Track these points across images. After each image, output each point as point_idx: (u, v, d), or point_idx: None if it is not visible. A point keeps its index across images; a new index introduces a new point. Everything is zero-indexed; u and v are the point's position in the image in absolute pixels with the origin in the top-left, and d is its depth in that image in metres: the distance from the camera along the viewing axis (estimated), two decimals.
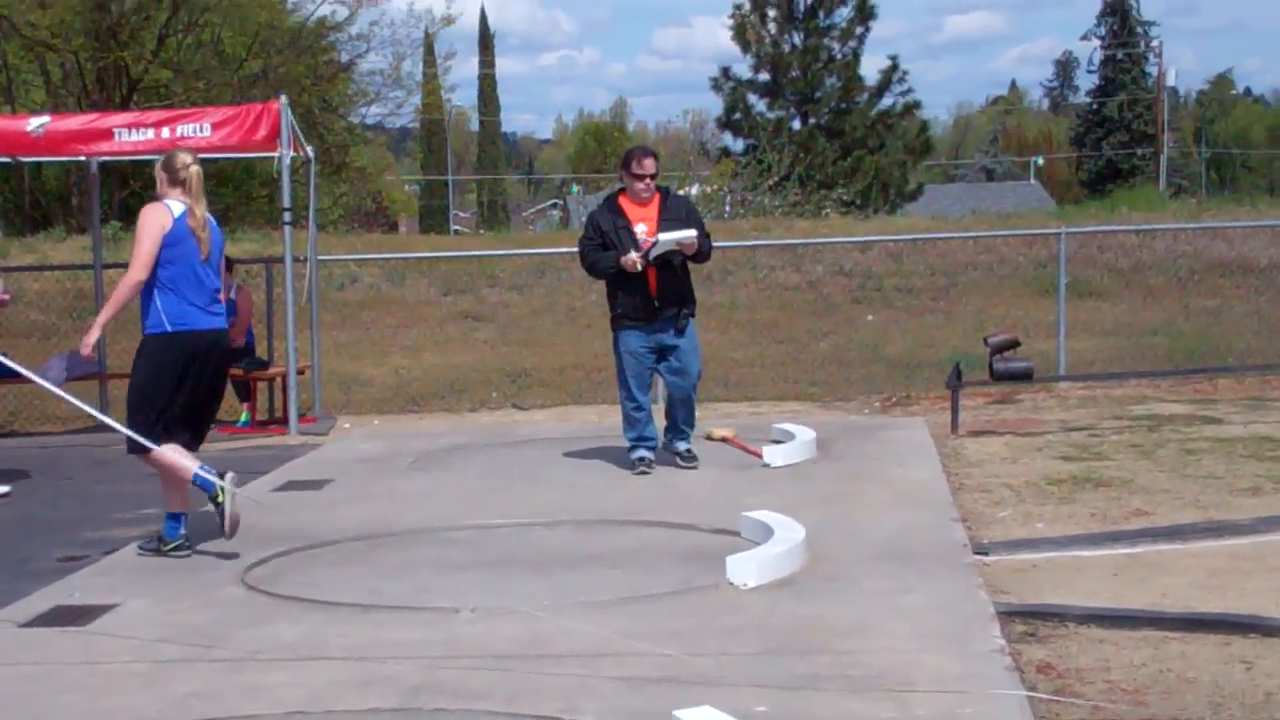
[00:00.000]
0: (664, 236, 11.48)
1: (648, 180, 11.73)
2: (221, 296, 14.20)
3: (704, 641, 7.20)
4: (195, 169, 9.49)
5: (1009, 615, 7.57)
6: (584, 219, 12.31)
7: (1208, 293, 22.25)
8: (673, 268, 11.67)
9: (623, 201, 11.84)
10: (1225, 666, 6.74)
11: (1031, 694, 6.36)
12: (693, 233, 11.59)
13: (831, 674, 6.61)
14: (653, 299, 11.64)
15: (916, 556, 8.69)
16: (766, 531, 9.02)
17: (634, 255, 11.48)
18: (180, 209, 9.37)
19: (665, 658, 6.93)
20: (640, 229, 11.64)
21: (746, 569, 8.24)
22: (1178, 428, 13.45)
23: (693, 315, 11.90)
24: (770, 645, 7.11)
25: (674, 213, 11.81)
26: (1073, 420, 14.18)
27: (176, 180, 9.43)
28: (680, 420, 12.06)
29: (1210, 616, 7.43)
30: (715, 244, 12.48)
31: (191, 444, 9.53)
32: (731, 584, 8.18)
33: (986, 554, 8.88)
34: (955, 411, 13.79)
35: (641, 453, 11.94)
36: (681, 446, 12.06)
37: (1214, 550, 8.92)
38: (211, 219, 9.65)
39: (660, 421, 12.23)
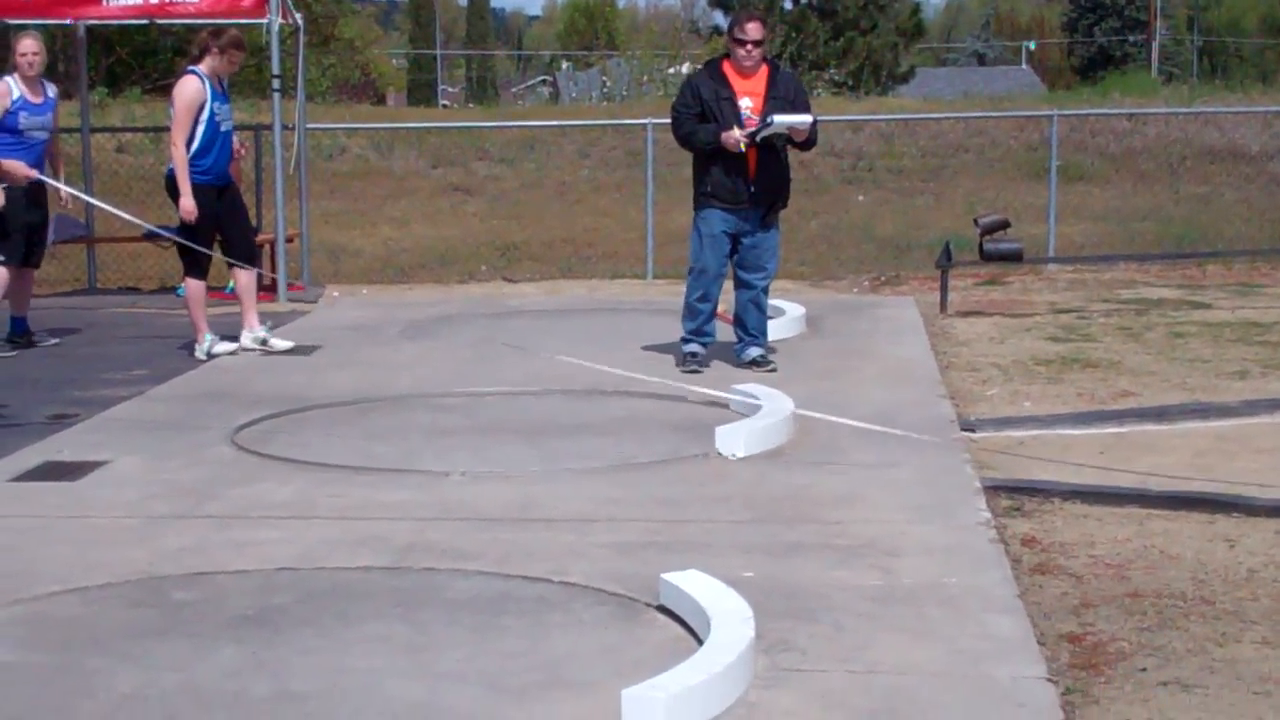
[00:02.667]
0: (779, 119, 10.29)
1: (749, 46, 10.45)
2: None
3: (692, 508, 7.26)
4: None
5: (995, 490, 7.63)
6: (679, 88, 11.21)
7: (1198, 179, 22.20)
8: (775, 152, 10.57)
9: (727, 69, 10.60)
10: (1209, 544, 6.80)
11: (1015, 565, 6.43)
12: (808, 118, 10.46)
13: (818, 542, 6.67)
14: (749, 182, 10.48)
15: (904, 431, 8.72)
16: (755, 405, 9.05)
17: (739, 133, 10.29)
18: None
19: (654, 523, 6.98)
20: (745, 103, 10.46)
21: (735, 439, 8.29)
22: (1166, 311, 13.48)
23: (785, 205, 10.88)
24: (758, 513, 7.17)
25: (782, 90, 10.57)
26: (1061, 302, 14.20)
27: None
28: (751, 324, 10.87)
29: (1195, 495, 7.49)
30: None
31: None
32: (720, 454, 8.23)
33: (973, 430, 8.92)
34: (944, 291, 13.80)
35: (694, 346, 10.79)
36: (755, 352, 10.79)
37: (1200, 431, 8.98)
38: None
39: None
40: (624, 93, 39.57)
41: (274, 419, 9.37)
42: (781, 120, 10.32)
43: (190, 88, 11.32)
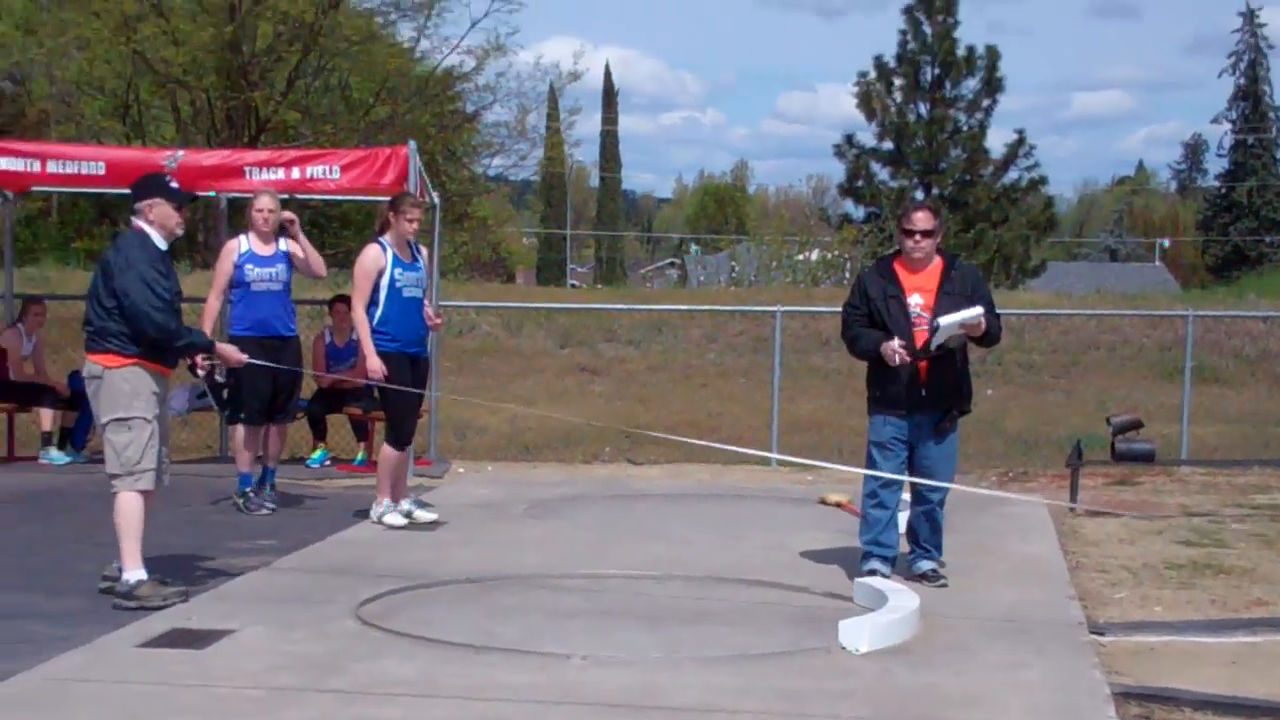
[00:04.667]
0: (946, 321, 9.51)
1: (918, 238, 9.74)
2: (340, 339, 14.65)
3: (814, 703, 7.15)
4: None
5: (1125, 696, 7.47)
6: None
7: None
8: (950, 353, 9.78)
9: (898, 266, 9.86)
10: None
11: None
12: (978, 311, 9.56)
13: None
14: (920, 388, 9.74)
15: (1032, 632, 8.60)
16: (880, 598, 8.95)
17: (898, 344, 9.60)
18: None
19: (774, 717, 6.89)
20: (915, 300, 9.70)
21: (859, 633, 8.18)
22: None
23: (964, 413, 10.03)
24: (880, 711, 7.06)
25: (958, 285, 9.77)
26: (1193, 505, 14.00)
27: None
28: (922, 537, 10.09)
29: None
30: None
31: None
32: (843, 648, 8.13)
33: (1103, 634, 8.78)
34: (1075, 489, 13.65)
35: (874, 564, 9.87)
36: (925, 566, 10.02)
37: None
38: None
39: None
40: (752, 278, 39.78)
41: (398, 594, 9.38)
42: (949, 321, 9.52)
43: (368, 255, 11.72)
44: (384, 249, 11.67)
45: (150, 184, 9.44)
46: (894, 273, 9.83)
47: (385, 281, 11.59)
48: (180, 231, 9.40)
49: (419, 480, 14.31)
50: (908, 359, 9.62)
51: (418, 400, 12.17)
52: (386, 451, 11.90)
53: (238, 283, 12.49)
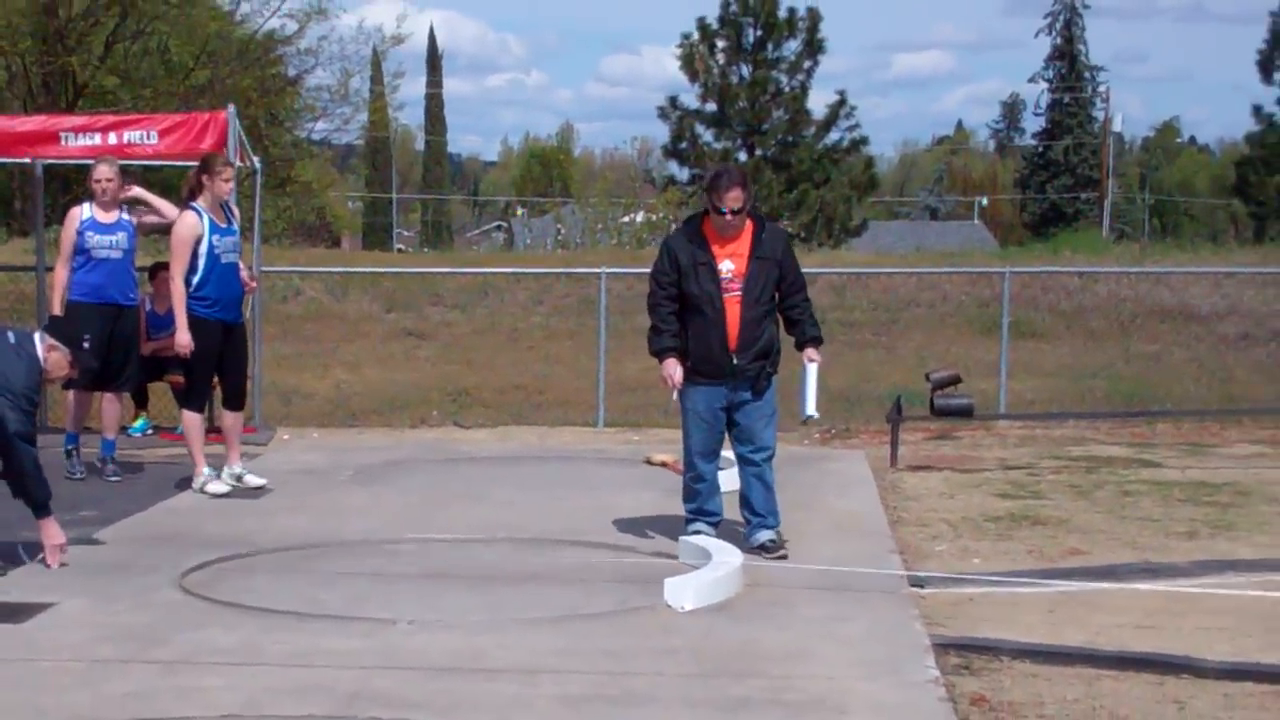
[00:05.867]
0: (810, 404, 9.87)
1: (730, 215, 9.52)
2: (161, 307, 14.55)
3: (639, 661, 7.22)
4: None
5: (944, 647, 7.61)
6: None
7: (1148, 338, 22.38)
8: (758, 317, 9.64)
9: (708, 229, 9.67)
10: (1158, 705, 6.80)
11: None
12: (816, 362, 9.83)
13: (766, 698, 6.64)
14: (731, 354, 9.59)
15: (853, 586, 8.73)
16: (705, 555, 9.05)
17: (678, 376, 9.63)
18: None
19: (600, 675, 6.95)
20: (726, 266, 9.56)
21: (684, 591, 8.27)
22: (1115, 470, 13.55)
23: (775, 372, 9.82)
24: (706, 667, 7.14)
25: (768, 249, 9.66)
26: (1011, 459, 14.26)
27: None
28: (757, 504, 9.84)
29: (1144, 655, 7.50)
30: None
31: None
32: (669, 606, 8.21)
33: (923, 586, 8.93)
34: (895, 445, 13.85)
35: (700, 526, 9.84)
36: (763, 536, 9.74)
37: (1149, 591, 8.99)
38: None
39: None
40: (578, 240, 39.76)
41: (222, 563, 9.31)
42: (811, 398, 9.84)
43: (185, 222, 11.60)
44: (200, 215, 11.55)
45: None
46: (704, 238, 9.66)
47: (204, 249, 11.49)
48: None
49: (244, 448, 14.15)
50: (678, 387, 9.65)
51: (245, 368, 12.14)
52: (187, 417, 11.89)
53: (79, 249, 12.36)
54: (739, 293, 9.58)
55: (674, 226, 38.86)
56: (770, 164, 50.70)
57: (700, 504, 9.91)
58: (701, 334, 9.59)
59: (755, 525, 9.85)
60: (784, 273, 9.73)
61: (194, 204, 11.64)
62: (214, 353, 11.65)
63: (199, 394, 11.92)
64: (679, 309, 9.68)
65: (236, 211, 12.19)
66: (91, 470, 12.58)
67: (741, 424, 9.79)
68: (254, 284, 12.56)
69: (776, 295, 9.79)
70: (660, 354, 9.70)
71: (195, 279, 11.49)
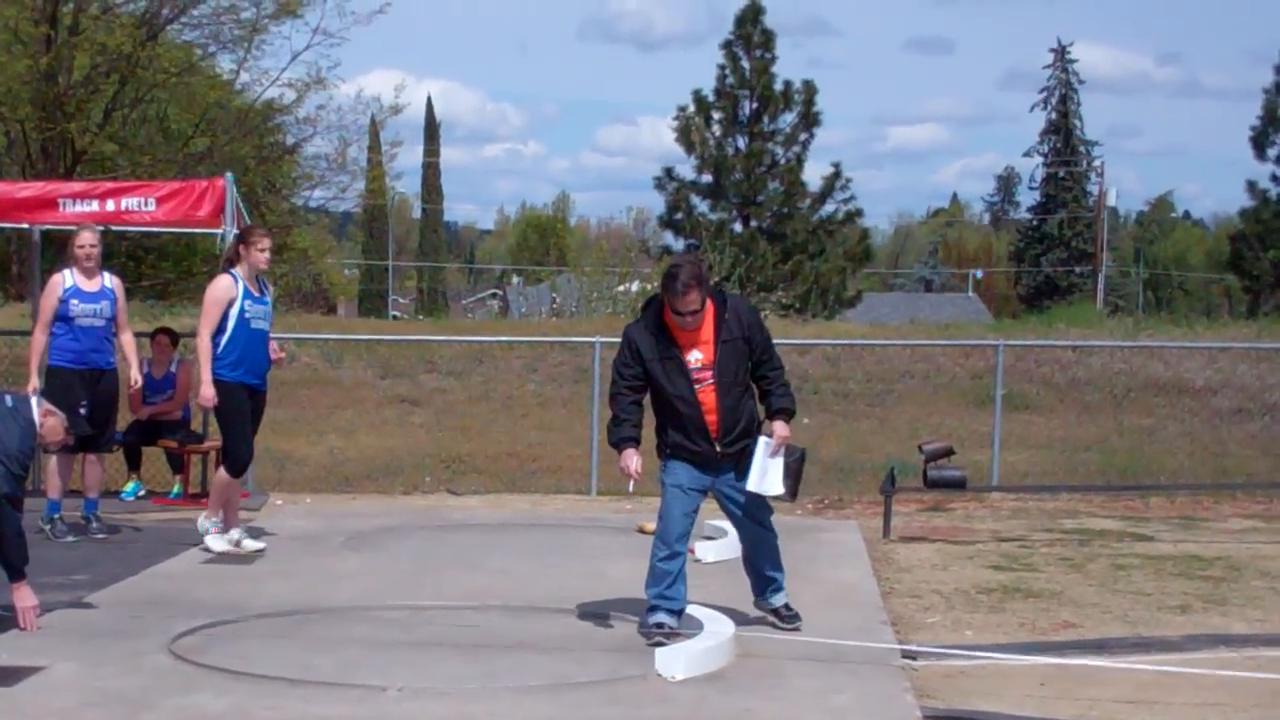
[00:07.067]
0: (759, 479, 9.33)
1: (689, 316, 9.12)
2: (158, 371, 14.59)
3: None
4: None
5: (935, 719, 7.60)
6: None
7: (1142, 411, 22.40)
8: (735, 396, 9.30)
9: (670, 318, 9.22)
10: None
11: None
12: (780, 469, 9.39)
13: None
14: (714, 442, 9.27)
15: (845, 657, 8.71)
16: (696, 625, 9.03)
17: (634, 467, 9.27)
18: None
19: None
20: (694, 356, 9.16)
21: (675, 661, 8.26)
22: (1108, 543, 13.53)
23: (756, 437, 9.40)
24: None
25: (735, 329, 9.25)
26: (1004, 531, 14.25)
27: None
28: (766, 568, 9.69)
29: None
30: None
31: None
32: (660, 675, 8.19)
33: (915, 658, 8.91)
34: (888, 516, 13.85)
35: (661, 616, 9.24)
36: (777, 601, 9.68)
37: (1141, 665, 8.97)
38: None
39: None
40: (573, 309, 39.83)
41: (213, 628, 9.29)
42: (774, 487, 9.35)
43: (220, 284, 11.81)
44: (235, 280, 11.76)
45: None
46: (667, 328, 9.22)
47: (234, 311, 11.70)
48: None
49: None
50: (637, 479, 9.31)
51: (253, 429, 12.16)
52: (220, 474, 12.08)
53: (62, 317, 12.52)
54: (712, 382, 9.21)
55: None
56: (765, 235, 50.93)
57: (663, 588, 9.28)
58: (680, 426, 9.25)
59: (763, 590, 9.73)
60: (753, 347, 9.34)
61: (231, 270, 11.85)
62: (245, 414, 11.82)
63: (234, 456, 11.95)
64: (654, 398, 9.35)
65: (271, 287, 12.31)
66: (76, 529, 12.61)
67: (732, 495, 9.45)
68: (283, 354, 12.63)
69: (750, 365, 9.42)
70: (618, 444, 9.29)
71: (222, 340, 11.66)
